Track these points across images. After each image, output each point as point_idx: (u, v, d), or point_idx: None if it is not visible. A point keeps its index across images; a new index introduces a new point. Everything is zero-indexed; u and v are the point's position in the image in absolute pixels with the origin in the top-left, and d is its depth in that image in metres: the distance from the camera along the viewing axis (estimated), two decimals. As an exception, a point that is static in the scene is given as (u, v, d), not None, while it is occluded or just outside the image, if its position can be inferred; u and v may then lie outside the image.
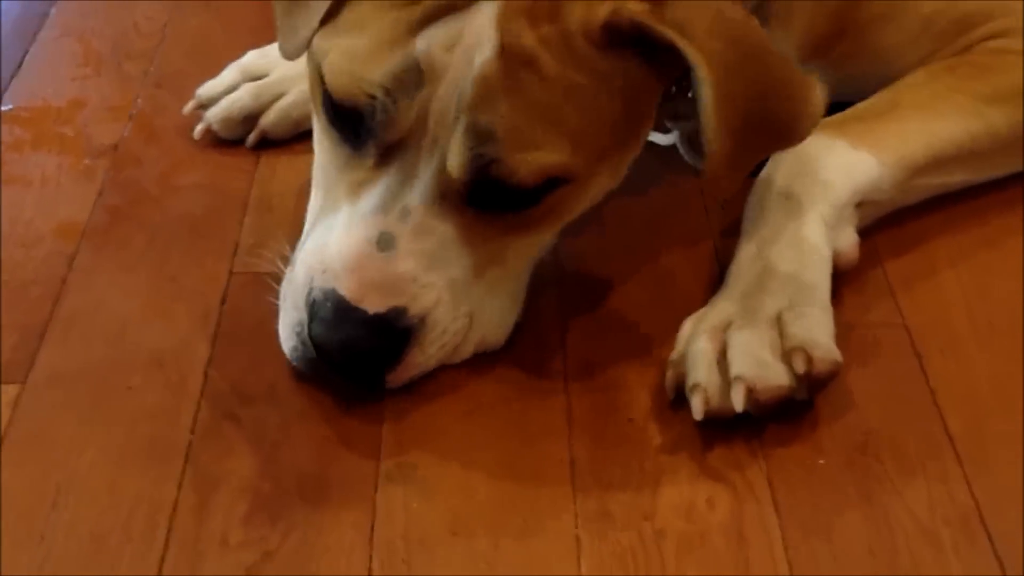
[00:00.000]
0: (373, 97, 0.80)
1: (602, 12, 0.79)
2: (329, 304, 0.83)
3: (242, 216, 1.05)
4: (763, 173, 0.96)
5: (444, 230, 0.84)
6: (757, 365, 0.83)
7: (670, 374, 0.87)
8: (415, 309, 0.84)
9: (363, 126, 0.82)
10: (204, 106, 1.11)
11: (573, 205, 0.87)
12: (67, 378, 0.90)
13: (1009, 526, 0.79)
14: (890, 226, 1.01)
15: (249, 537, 0.79)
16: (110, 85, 1.20)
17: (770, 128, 0.82)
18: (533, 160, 0.80)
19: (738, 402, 0.82)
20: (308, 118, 1.11)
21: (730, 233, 0.98)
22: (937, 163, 0.99)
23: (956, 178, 1.02)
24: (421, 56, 0.79)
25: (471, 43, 0.79)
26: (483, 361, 0.91)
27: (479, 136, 0.80)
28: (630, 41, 0.80)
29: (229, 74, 1.13)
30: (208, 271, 0.99)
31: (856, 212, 0.95)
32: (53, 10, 1.31)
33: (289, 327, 0.87)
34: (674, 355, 0.88)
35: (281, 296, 0.89)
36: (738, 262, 0.92)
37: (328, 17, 0.82)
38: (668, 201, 1.06)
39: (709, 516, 0.80)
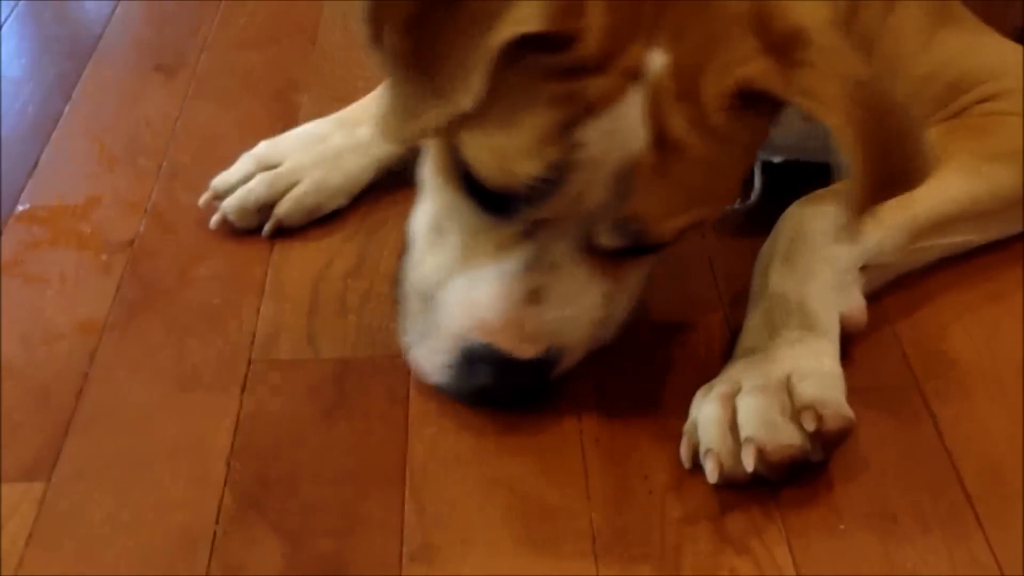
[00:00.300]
0: (530, 187, 0.84)
1: (733, 82, 0.82)
2: (488, 358, 0.89)
3: (259, 304, 1.06)
4: (767, 242, 0.98)
5: (586, 273, 0.89)
6: (767, 426, 0.85)
7: (684, 442, 0.89)
8: (562, 344, 0.90)
9: (513, 205, 0.86)
10: (219, 197, 1.14)
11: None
12: (91, 473, 0.91)
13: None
14: (898, 286, 1.03)
15: (276, 625, 0.80)
16: (125, 181, 1.22)
17: (898, 175, 0.84)
18: (677, 225, 0.86)
19: (749, 463, 0.84)
20: (321, 206, 1.15)
21: (739, 301, 1.00)
22: (940, 225, 1.00)
23: (960, 239, 1.03)
24: (578, 151, 0.82)
25: (624, 135, 0.82)
26: (500, 435, 0.92)
27: (630, 218, 0.85)
28: (757, 99, 0.83)
29: (243, 164, 1.15)
30: (227, 361, 1.01)
31: (861, 276, 0.96)
32: (67, 109, 1.34)
33: (437, 366, 0.92)
34: (688, 424, 0.89)
35: (409, 329, 0.94)
36: (746, 330, 0.94)
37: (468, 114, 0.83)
38: (677, 271, 1.07)
39: (732, 585, 0.81)
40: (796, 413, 0.85)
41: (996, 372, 0.96)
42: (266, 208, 1.13)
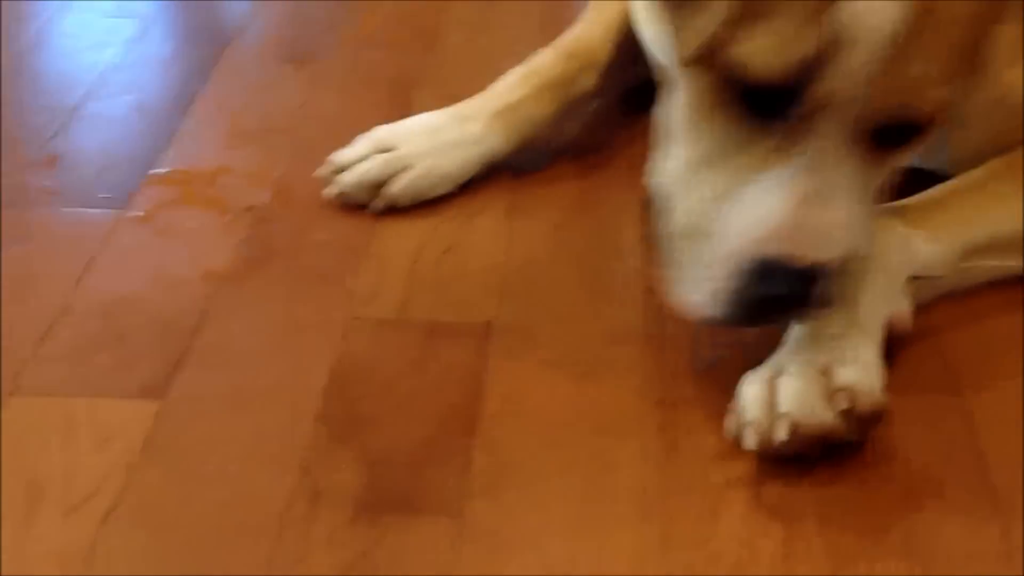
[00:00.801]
0: (802, 70, 0.88)
1: None
2: (782, 268, 0.91)
3: (362, 269, 1.17)
4: None
5: (853, 169, 0.92)
6: (802, 404, 0.93)
7: (730, 418, 0.97)
8: (849, 248, 0.93)
9: (780, 101, 0.90)
10: (337, 172, 1.25)
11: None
12: (200, 399, 1.02)
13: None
14: (948, 302, 1.10)
15: (351, 538, 0.90)
16: (252, 154, 1.35)
17: None
18: (939, 97, 0.90)
19: (782, 435, 0.92)
20: (429, 190, 1.25)
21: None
22: (993, 246, 1.07)
23: (1014, 262, 1.10)
24: (843, 25, 0.87)
25: (885, 5, 0.87)
26: (567, 395, 1.02)
27: (895, 89, 0.88)
28: None
29: (361, 145, 1.26)
30: (329, 314, 1.12)
31: (910, 285, 1.04)
32: (206, 90, 1.47)
33: (717, 294, 0.94)
34: (734, 402, 0.98)
35: (677, 270, 0.97)
36: (794, 326, 1.01)
37: (733, 11, 0.90)
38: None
39: (762, 544, 0.89)
40: (832, 395, 0.93)
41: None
42: (378, 186, 1.24)
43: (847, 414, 0.93)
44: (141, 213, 1.25)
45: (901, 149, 0.94)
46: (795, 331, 1.01)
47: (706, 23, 0.89)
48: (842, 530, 0.90)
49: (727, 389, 1.01)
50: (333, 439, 0.99)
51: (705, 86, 0.94)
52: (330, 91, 1.48)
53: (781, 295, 0.92)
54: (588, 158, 1.33)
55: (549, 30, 1.57)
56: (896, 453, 0.96)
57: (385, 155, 1.25)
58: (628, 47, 1.33)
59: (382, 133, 1.28)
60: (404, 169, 1.24)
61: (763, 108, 0.91)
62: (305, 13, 1.69)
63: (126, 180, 1.30)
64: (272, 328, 1.11)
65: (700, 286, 0.95)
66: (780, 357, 0.99)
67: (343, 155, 1.26)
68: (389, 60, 1.54)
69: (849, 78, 0.88)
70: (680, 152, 0.97)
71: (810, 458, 0.94)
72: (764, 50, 0.89)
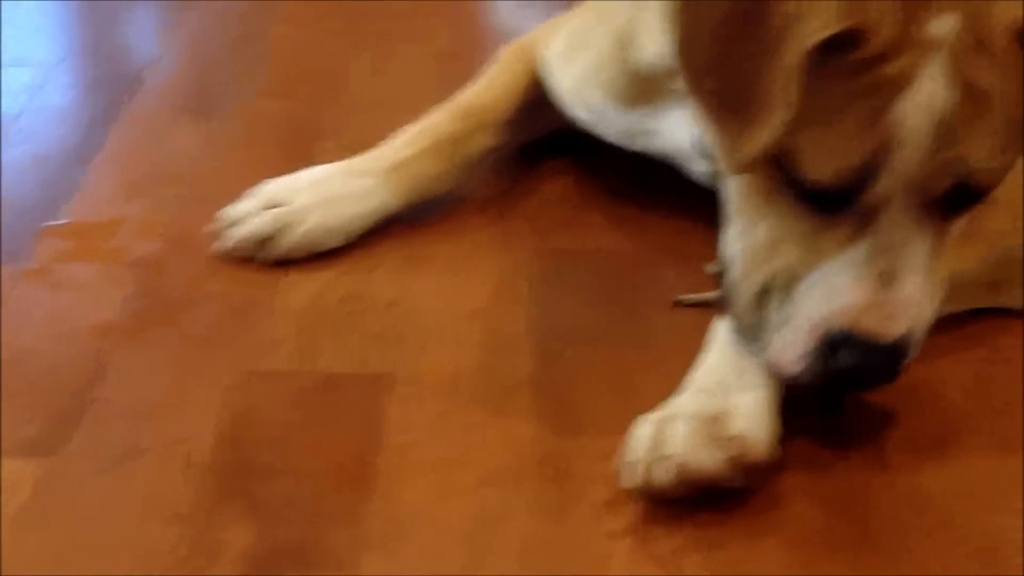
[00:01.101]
0: (859, 174, 0.93)
1: (1016, 18, 0.91)
2: (853, 342, 0.95)
3: (258, 321, 1.17)
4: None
5: (923, 245, 0.96)
6: (689, 447, 0.95)
7: (618, 460, 0.98)
8: (920, 323, 0.98)
9: (845, 197, 0.94)
10: (227, 226, 1.25)
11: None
12: (90, 455, 1.01)
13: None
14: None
15: (242, 595, 0.90)
16: (151, 207, 1.34)
17: None
18: (999, 166, 0.94)
19: (665, 478, 0.94)
20: (318, 244, 1.25)
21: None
22: None
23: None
24: (896, 127, 0.91)
25: (935, 101, 0.91)
26: (461, 449, 1.02)
27: (953, 170, 0.93)
28: None
29: (251, 200, 1.27)
30: (225, 367, 1.11)
31: None
32: (107, 140, 1.47)
33: (795, 357, 0.98)
34: (625, 443, 0.99)
35: (749, 332, 1.01)
36: (697, 369, 1.03)
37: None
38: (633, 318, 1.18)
39: (650, 594, 0.91)
40: (723, 442, 0.95)
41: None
42: (267, 241, 1.24)
43: (735, 462, 0.94)
44: (36, 266, 1.24)
45: (963, 212, 0.98)
46: (692, 377, 1.03)
47: (762, 136, 0.92)
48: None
49: (620, 438, 1.03)
50: (226, 494, 0.98)
51: (762, 182, 0.98)
52: (230, 142, 1.48)
53: (864, 367, 0.96)
54: (487, 208, 1.35)
55: (452, 77, 1.60)
56: (783, 502, 0.98)
57: (274, 210, 1.25)
58: (533, 103, 1.36)
59: (273, 187, 1.28)
60: (293, 224, 1.25)
61: (824, 203, 0.96)
62: (208, 63, 1.69)
63: (21, 233, 1.29)
64: (165, 382, 1.10)
65: (782, 344, 0.98)
66: (676, 401, 1.01)
67: (233, 209, 1.26)
68: (291, 110, 1.55)
69: (904, 174, 0.92)
70: (746, 231, 1.01)
71: (694, 501, 0.96)
72: (820, 158, 0.93)
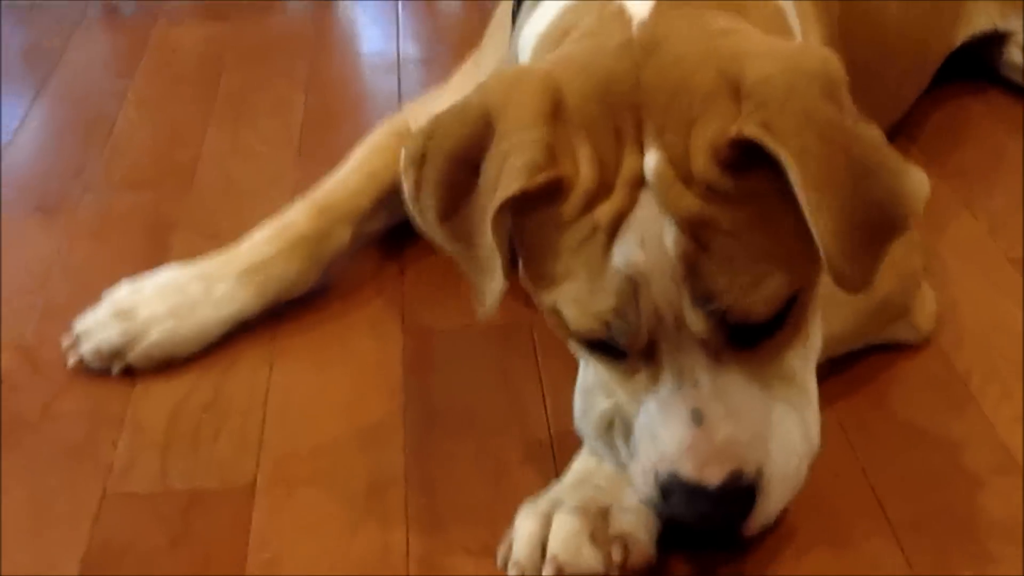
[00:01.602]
0: (610, 325, 0.90)
1: (710, 142, 0.87)
2: (677, 488, 0.91)
3: (116, 438, 1.13)
4: None
5: (731, 380, 0.91)
6: (572, 548, 0.92)
7: (501, 552, 0.96)
8: (749, 467, 0.91)
9: (617, 347, 0.91)
10: (77, 340, 1.20)
11: (814, 302, 0.95)
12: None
13: None
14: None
15: None
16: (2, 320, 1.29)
17: (874, 213, 0.87)
18: (760, 296, 0.88)
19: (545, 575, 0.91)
20: (171, 355, 1.21)
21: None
22: None
23: None
24: (624, 270, 0.88)
25: (656, 235, 0.88)
26: (331, 561, 0.99)
27: (705, 300, 0.88)
28: (754, 156, 0.87)
29: (102, 310, 1.22)
30: (81, 493, 1.07)
31: None
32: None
33: (645, 498, 0.94)
34: (506, 536, 0.96)
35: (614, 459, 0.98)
36: (582, 453, 1.01)
37: (539, 279, 0.92)
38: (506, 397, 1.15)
39: None
40: (606, 541, 0.93)
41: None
42: (117, 354, 1.20)
43: (617, 564, 0.92)
44: None
45: (778, 337, 0.92)
46: (581, 458, 1.01)
47: (493, 286, 0.90)
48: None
49: (496, 532, 1.00)
50: (88, 635, 0.94)
51: (571, 338, 0.95)
52: (83, 241, 1.43)
53: (697, 514, 0.91)
54: (349, 298, 1.31)
55: (307, 157, 1.57)
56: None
57: (123, 324, 1.20)
58: (391, 195, 1.29)
59: (123, 293, 1.24)
60: (139, 336, 1.20)
61: (610, 351, 0.93)
62: (53, 158, 1.64)
63: None
64: (19, 509, 1.05)
65: (638, 487, 0.95)
66: (560, 488, 0.98)
67: (83, 322, 1.22)
68: (145, 201, 1.50)
69: (652, 315, 0.89)
70: (584, 370, 1.00)
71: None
72: (572, 310, 0.91)
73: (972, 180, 1.44)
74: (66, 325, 1.24)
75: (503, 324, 1.26)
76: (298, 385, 1.19)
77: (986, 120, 1.57)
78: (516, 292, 1.30)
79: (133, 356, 1.19)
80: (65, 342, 1.21)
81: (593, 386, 0.99)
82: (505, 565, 0.95)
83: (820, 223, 0.85)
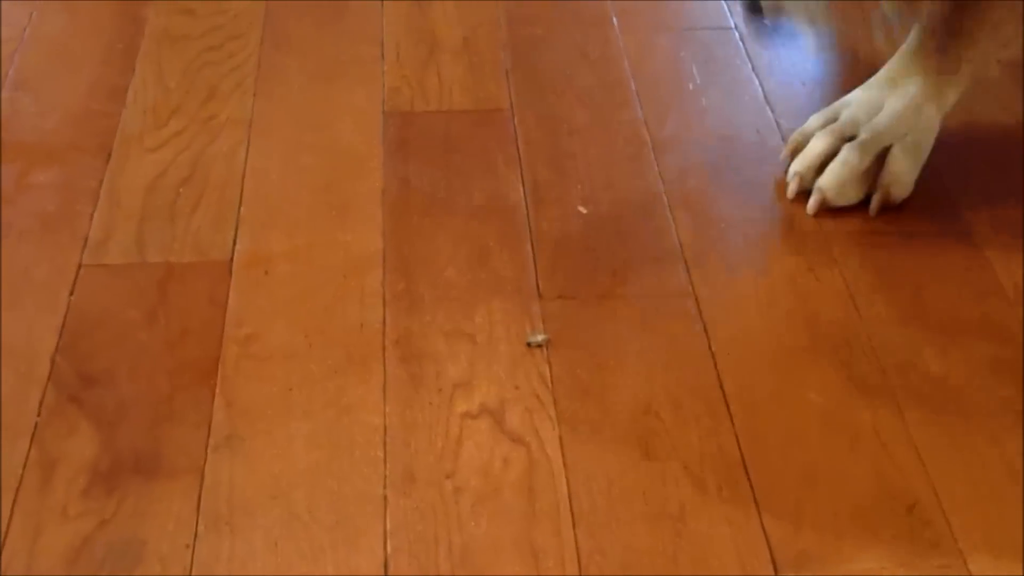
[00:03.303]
0: None
1: None
2: None
3: (92, 211, 1.12)
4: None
5: None
6: (840, 188, 1.09)
7: (787, 147, 1.13)
8: None
9: None
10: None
11: None
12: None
13: (769, 474, 0.90)
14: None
15: (87, 508, 0.88)
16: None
17: None
18: None
19: (811, 208, 1.09)
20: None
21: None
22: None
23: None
24: None
25: None
26: (306, 334, 1.00)
27: None
28: None
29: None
30: (58, 264, 1.07)
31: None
32: (-81, 15, 1.37)
33: None
34: (798, 134, 1.13)
35: None
36: (894, 62, 1.11)
37: None
38: (486, 182, 1.15)
39: (504, 474, 0.90)
40: (872, 183, 1.08)
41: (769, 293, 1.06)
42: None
43: (877, 200, 1.09)
44: None
45: None
46: (891, 66, 1.11)
47: None
48: (583, 454, 0.91)
49: (469, 313, 1.01)
50: (66, 402, 0.95)
51: None
52: (55, 10, 1.39)
53: None
54: (329, 82, 1.29)
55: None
56: (638, 370, 0.98)
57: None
58: None
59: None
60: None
61: None
62: None
63: None
64: (-3, 284, 1.06)
65: None
66: (858, 107, 1.11)
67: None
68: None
69: None
70: None
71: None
72: None
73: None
74: (39, 97, 1.22)
75: (484, 109, 1.25)
76: (276, 165, 1.18)
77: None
78: (499, 80, 1.28)
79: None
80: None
81: None
82: (789, 155, 1.12)
83: None
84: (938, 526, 0.86)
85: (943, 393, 0.95)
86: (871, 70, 1.15)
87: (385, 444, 0.92)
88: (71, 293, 1.04)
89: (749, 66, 1.30)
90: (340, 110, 1.25)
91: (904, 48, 1.11)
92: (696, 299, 1.03)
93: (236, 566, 0.84)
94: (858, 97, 1.14)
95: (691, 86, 1.28)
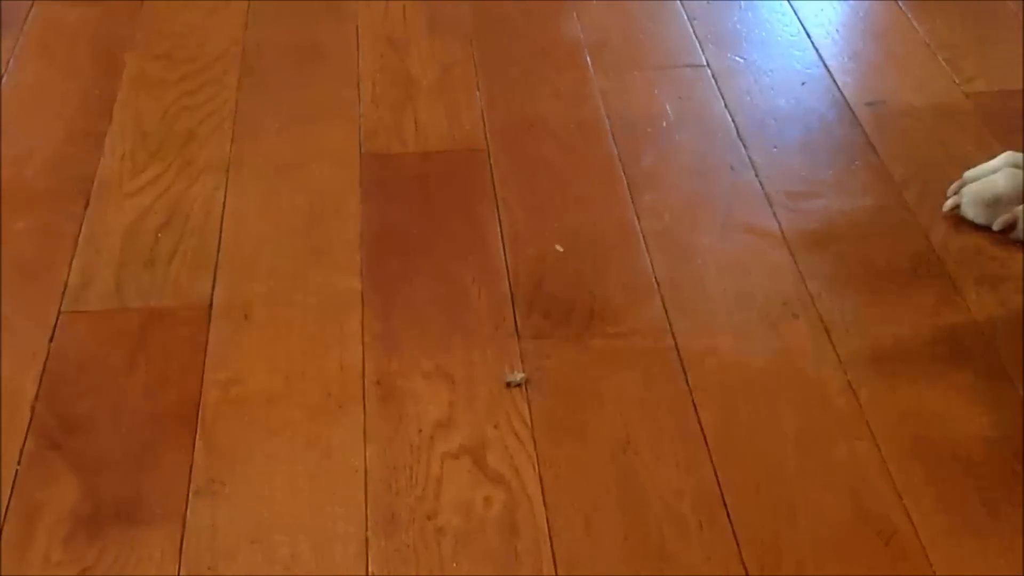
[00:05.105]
0: None
1: None
2: None
3: (71, 257, 1.13)
4: None
5: None
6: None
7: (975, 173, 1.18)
8: None
9: None
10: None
11: None
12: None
13: (748, 508, 0.90)
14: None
15: (70, 556, 0.88)
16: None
17: None
18: None
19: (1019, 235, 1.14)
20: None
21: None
22: None
23: None
24: None
25: None
26: (286, 379, 1.00)
27: None
28: None
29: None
30: (37, 311, 1.07)
31: None
32: None
33: None
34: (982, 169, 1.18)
35: None
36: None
37: None
38: (463, 223, 1.16)
39: (485, 513, 0.90)
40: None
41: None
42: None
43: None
44: None
45: None
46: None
47: None
48: (563, 492, 0.92)
49: (448, 353, 1.02)
50: (46, 449, 0.95)
51: None
52: (32, 63, 1.40)
53: None
54: (307, 123, 1.30)
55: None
56: (615, 408, 0.98)
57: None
58: None
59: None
60: None
61: None
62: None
63: None
64: (-23, 332, 1.06)
65: None
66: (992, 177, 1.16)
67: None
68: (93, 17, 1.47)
69: None
70: None
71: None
72: None
73: None
74: (15, 145, 1.22)
75: (461, 150, 1.26)
76: (254, 209, 1.19)
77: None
78: (475, 121, 1.30)
79: None
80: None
81: None
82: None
83: None
84: (915, 558, 0.87)
85: (919, 423, 0.97)
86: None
87: (366, 486, 0.92)
88: (51, 340, 1.05)
89: (722, 103, 1.32)
90: (317, 152, 1.26)
91: None
92: (673, 334, 1.04)
93: (219, 611, 0.85)
94: None
95: (664, 123, 1.29)
